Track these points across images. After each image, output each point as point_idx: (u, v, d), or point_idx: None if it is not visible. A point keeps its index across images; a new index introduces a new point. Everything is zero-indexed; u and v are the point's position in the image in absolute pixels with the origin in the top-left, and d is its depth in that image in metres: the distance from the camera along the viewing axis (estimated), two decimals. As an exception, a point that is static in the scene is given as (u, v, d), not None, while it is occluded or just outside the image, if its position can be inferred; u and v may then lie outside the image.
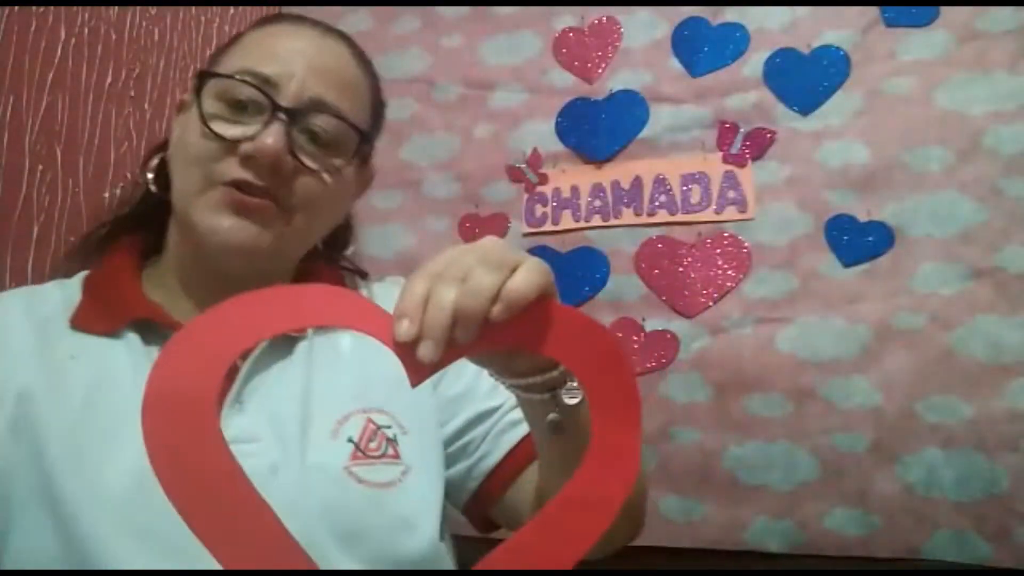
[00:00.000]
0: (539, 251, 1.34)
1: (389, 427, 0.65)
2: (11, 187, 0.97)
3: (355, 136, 0.67)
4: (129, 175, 1.17)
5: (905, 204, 1.18)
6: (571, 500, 0.44)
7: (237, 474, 0.39)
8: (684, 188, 1.30)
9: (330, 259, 0.78)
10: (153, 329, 0.63)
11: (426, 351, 0.42)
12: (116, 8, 1.15)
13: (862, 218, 1.20)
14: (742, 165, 1.28)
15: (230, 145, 0.61)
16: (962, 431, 1.09)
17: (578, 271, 1.31)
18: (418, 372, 0.43)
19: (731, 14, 1.33)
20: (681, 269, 1.27)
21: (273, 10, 1.51)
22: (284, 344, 0.66)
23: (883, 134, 1.21)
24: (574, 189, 1.35)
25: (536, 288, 0.44)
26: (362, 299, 0.46)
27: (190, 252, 0.68)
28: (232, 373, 0.62)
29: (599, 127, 1.35)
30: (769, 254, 1.23)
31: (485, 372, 0.58)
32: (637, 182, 1.32)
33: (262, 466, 0.58)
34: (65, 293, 0.67)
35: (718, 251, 1.26)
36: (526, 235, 1.36)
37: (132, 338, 0.63)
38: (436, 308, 0.42)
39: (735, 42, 1.32)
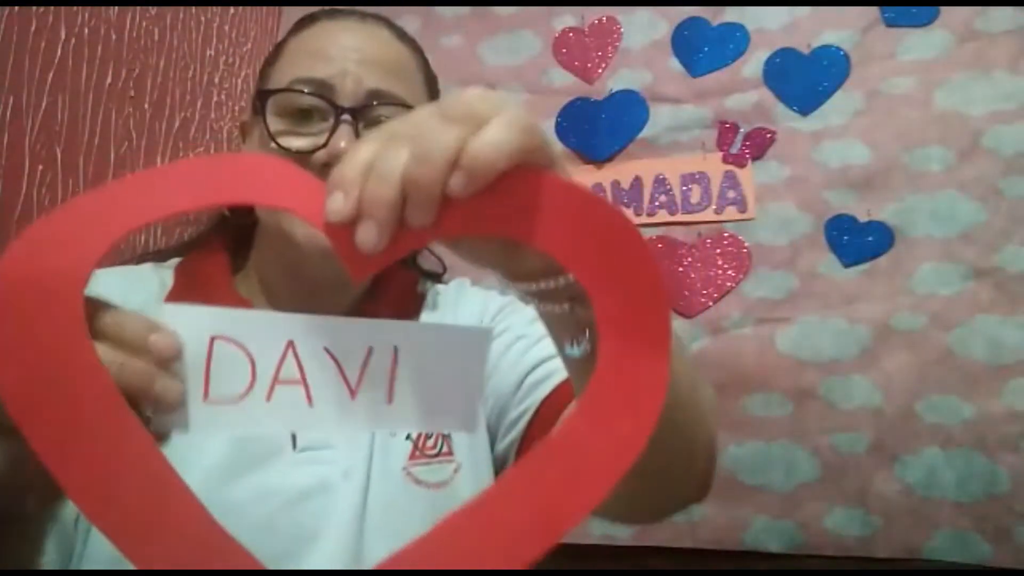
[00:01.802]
0: (539, 251, 1.34)
1: None
2: (11, 187, 0.97)
3: None
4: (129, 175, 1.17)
5: (905, 204, 1.18)
6: (568, 442, 0.32)
7: (100, 375, 0.30)
8: (684, 188, 1.30)
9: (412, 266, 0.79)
10: None
11: (365, 235, 0.32)
12: (116, 8, 1.15)
13: (862, 218, 1.20)
14: (742, 165, 1.28)
15: (303, 156, 0.61)
16: (962, 431, 1.09)
17: (578, 271, 1.31)
18: (359, 264, 0.33)
19: (731, 14, 1.33)
20: (681, 269, 1.27)
21: (272, 12, 1.51)
22: None
23: (883, 134, 1.21)
24: (574, 189, 1.35)
25: (509, 149, 0.31)
26: (295, 170, 0.36)
27: (281, 261, 0.68)
28: None
29: (599, 127, 1.35)
30: (769, 254, 1.23)
31: (518, 342, 0.57)
32: (637, 182, 1.32)
33: (336, 472, 0.60)
34: (160, 275, 0.68)
35: (718, 251, 1.26)
36: (526, 235, 1.36)
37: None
38: (378, 178, 0.31)
39: (735, 42, 1.32)
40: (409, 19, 1.50)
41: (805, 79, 1.27)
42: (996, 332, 1.10)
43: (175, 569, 0.31)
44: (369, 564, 0.54)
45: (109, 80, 1.14)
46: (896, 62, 1.23)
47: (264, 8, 1.52)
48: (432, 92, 0.73)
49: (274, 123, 0.63)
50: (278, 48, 0.69)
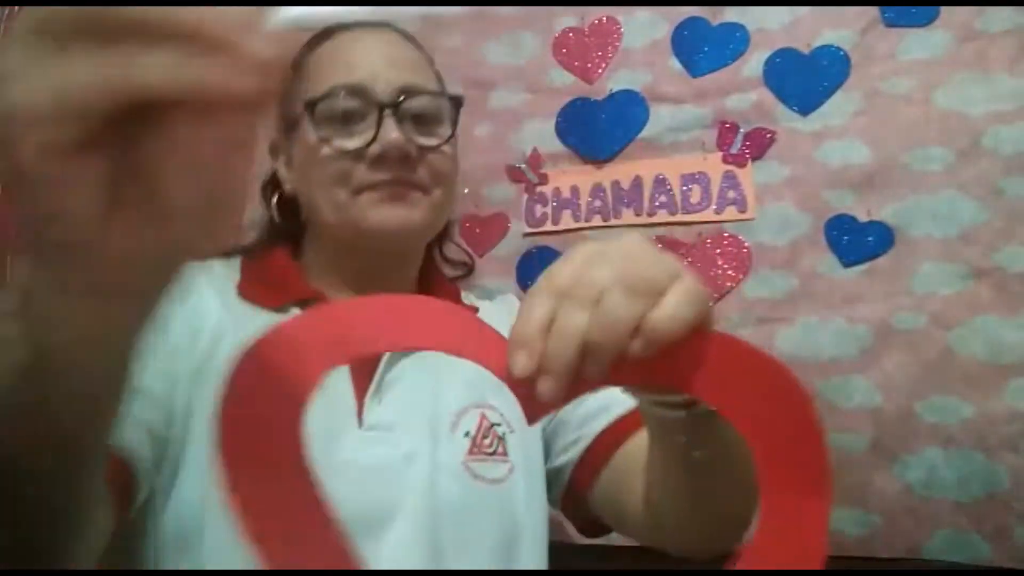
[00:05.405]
0: (539, 251, 1.34)
1: (499, 424, 0.68)
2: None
3: (448, 103, 0.72)
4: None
5: (905, 204, 1.18)
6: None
7: (309, 486, 0.34)
8: (684, 188, 1.30)
9: (442, 257, 0.85)
10: None
11: (546, 388, 0.35)
12: (116, 8, 1.15)
13: (862, 218, 1.20)
14: (742, 165, 1.28)
15: (355, 155, 0.66)
16: (962, 431, 1.09)
17: (578, 271, 1.31)
18: (535, 409, 0.36)
19: (731, 14, 1.33)
20: (681, 269, 1.27)
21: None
22: None
23: (883, 134, 1.21)
24: (574, 189, 1.35)
25: (687, 324, 0.35)
26: (479, 323, 0.39)
27: (339, 252, 0.72)
28: (375, 361, 0.66)
29: (599, 127, 1.35)
30: (769, 254, 1.23)
31: None
32: (637, 182, 1.32)
33: (398, 455, 0.62)
34: (229, 267, 0.72)
35: (718, 251, 1.26)
36: (526, 235, 1.36)
37: (296, 314, 0.69)
38: (560, 339, 0.34)
39: (735, 42, 1.32)
40: (409, 19, 1.50)
41: (805, 79, 1.27)
42: (996, 332, 1.10)
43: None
44: (443, 551, 0.59)
45: (109, 80, 1.14)
46: (896, 62, 1.23)
47: (264, 10, 1.52)
48: (441, 84, 0.77)
49: (315, 132, 0.67)
50: (299, 65, 0.73)
